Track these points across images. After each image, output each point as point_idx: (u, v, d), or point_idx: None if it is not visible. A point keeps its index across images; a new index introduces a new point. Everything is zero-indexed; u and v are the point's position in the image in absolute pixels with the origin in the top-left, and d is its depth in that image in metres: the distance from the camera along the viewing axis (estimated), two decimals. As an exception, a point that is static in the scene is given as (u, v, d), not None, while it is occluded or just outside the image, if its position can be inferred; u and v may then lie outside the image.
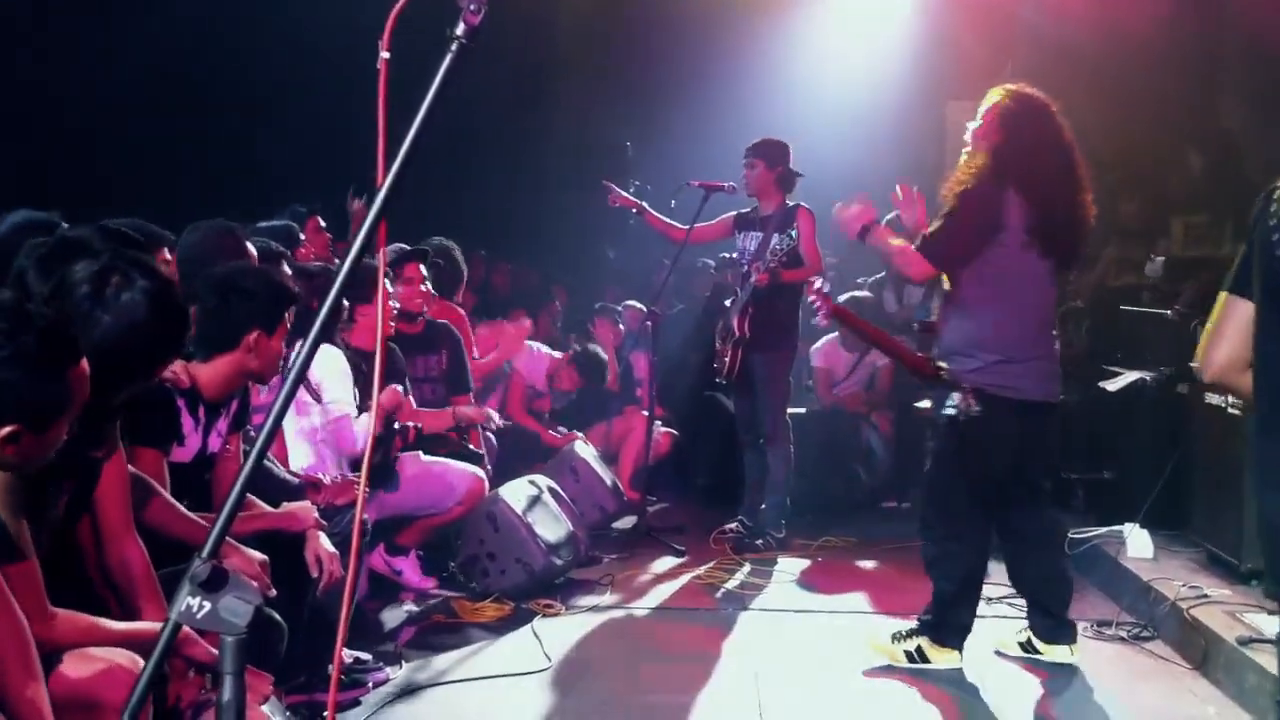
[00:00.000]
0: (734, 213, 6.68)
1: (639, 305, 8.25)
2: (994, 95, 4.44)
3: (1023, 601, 5.13)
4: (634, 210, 6.76)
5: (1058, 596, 4.62)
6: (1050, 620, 4.61)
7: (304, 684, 3.78)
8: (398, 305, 5.43)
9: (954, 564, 4.51)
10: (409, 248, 5.86)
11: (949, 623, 4.56)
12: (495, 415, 5.90)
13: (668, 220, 6.76)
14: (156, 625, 2.60)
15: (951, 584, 4.52)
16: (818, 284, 4.94)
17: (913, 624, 4.64)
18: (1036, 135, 4.31)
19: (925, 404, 4.77)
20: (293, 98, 8.07)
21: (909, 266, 4.45)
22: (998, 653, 4.74)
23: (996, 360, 4.28)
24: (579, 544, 5.69)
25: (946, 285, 4.48)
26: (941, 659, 4.55)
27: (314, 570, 3.56)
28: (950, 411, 4.32)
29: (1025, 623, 4.74)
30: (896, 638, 4.61)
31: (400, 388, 5.31)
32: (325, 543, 3.64)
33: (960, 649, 4.58)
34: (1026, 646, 4.68)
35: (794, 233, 6.22)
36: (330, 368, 4.78)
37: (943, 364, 4.43)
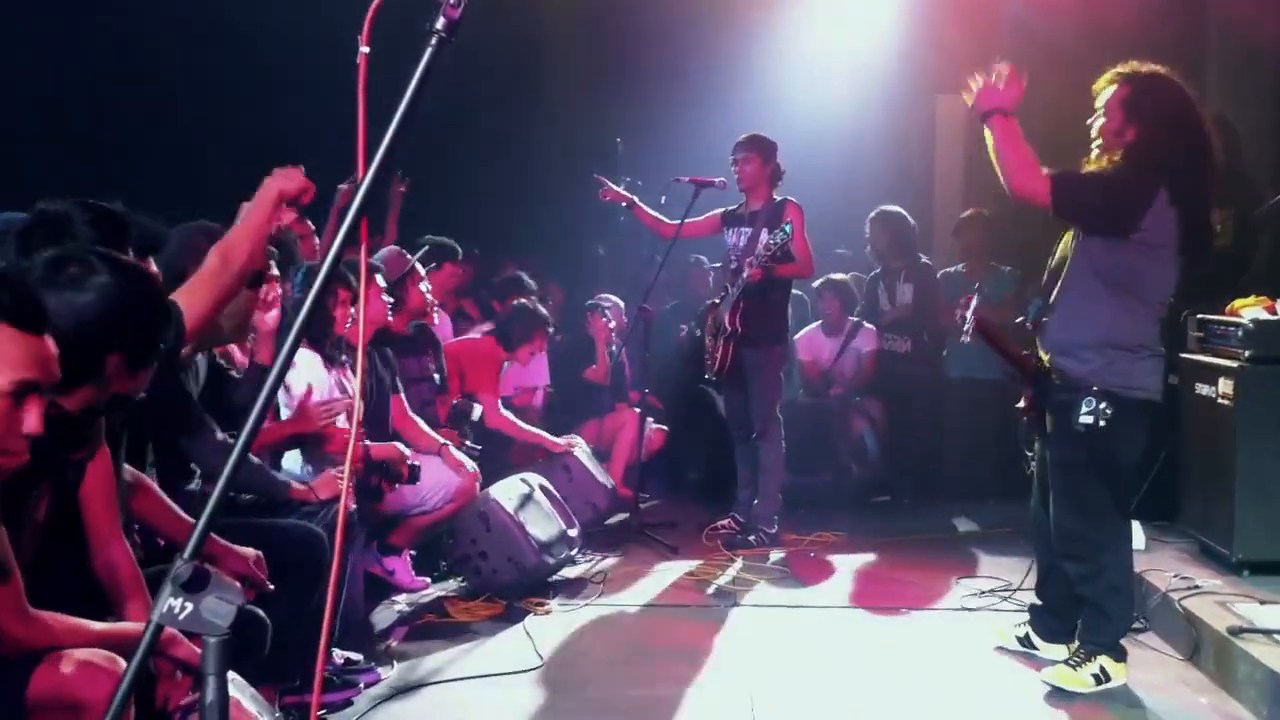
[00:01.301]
0: (721, 209, 6.69)
1: (615, 299, 8.21)
2: (1111, 82, 4.15)
3: (1019, 596, 5.14)
4: (625, 205, 6.79)
5: (1078, 608, 4.49)
6: (1057, 622, 4.56)
7: (298, 686, 3.77)
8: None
9: (1115, 577, 4.25)
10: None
11: (1122, 634, 4.32)
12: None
13: (658, 215, 6.78)
14: (138, 626, 2.60)
15: (1118, 598, 4.27)
16: (973, 304, 4.54)
17: (1076, 646, 4.34)
18: (1174, 128, 4.03)
19: (1021, 404, 4.52)
20: (283, 95, 8.04)
21: (1027, 180, 4.04)
22: (999, 648, 4.71)
23: (1125, 358, 4.09)
24: (571, 542, 5.69)
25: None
26: (1121, 674, 4.24)
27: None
28: (1088, 420, 4.05)
29: (1025, 617, 4.72)
30: (1072, 665, 4.25)
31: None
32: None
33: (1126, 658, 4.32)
34: (1024, 641, 4.65)
35: (788, 227, 6.21)
36: (301, 366, 4.75)
37: (1057, 362, 4.21)
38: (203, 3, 7.75)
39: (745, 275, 6.26)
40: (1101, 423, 4.05)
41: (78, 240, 2.76)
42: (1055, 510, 4.34)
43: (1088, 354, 4.14)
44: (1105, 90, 4.19)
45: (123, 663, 2.38)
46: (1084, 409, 4.07)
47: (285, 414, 4.75)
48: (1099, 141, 4.19)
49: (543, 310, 6.75)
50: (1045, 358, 4.29)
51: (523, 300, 6.78)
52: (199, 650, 1.65)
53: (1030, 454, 4.63)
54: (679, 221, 6.65)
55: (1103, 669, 4.21)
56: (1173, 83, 4.12)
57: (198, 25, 7.86)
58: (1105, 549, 4.26)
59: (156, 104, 7.79)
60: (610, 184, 6.84)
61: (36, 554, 2.49)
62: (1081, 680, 4.21)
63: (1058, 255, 4.40)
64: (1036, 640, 4.62)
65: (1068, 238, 4.34)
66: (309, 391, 4.67)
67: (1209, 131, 4.11)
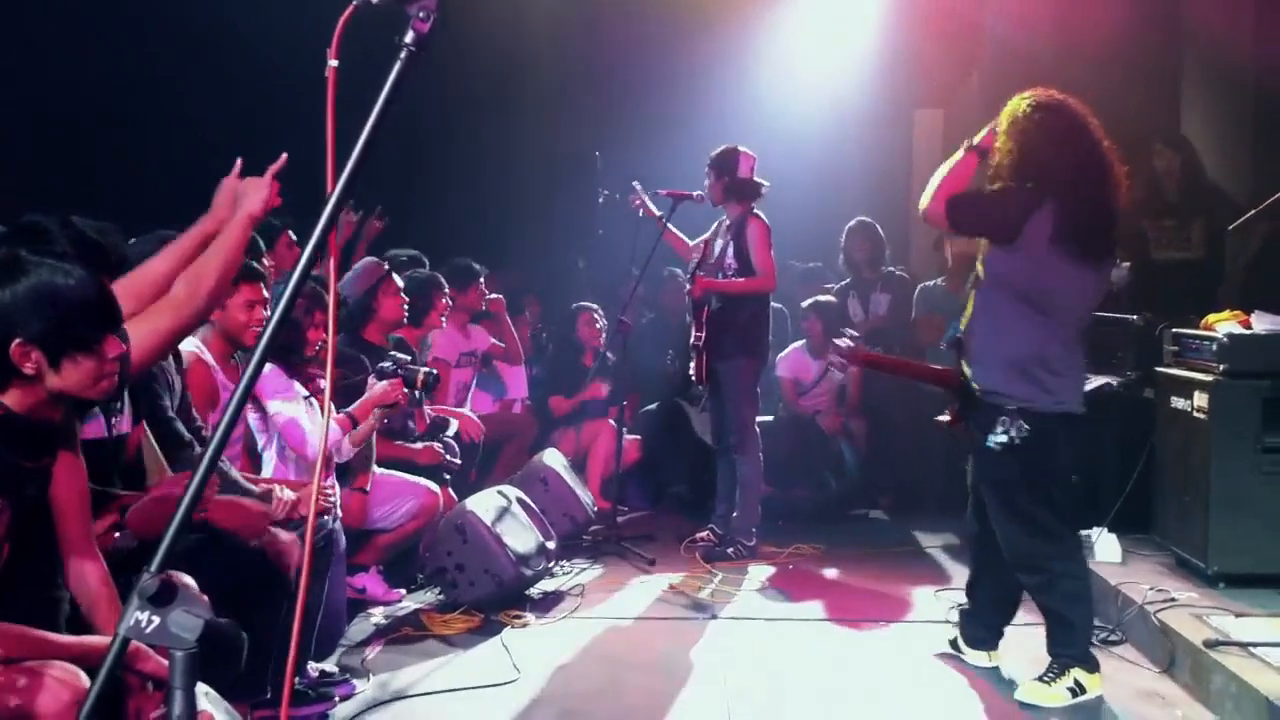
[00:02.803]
0: (718, 223, 6.73)
1: (593, 307, 8.19)
2: (1010, 107, 4.26)
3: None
4: (659, 224, 6.73)
5: (1007, 614, 4.63)
6: (980, 629, 4.64)
7: (271, 700, 3.74)
8: None
9: (1070, 585, 4.28)
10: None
11: (1088, 642, 4.33)
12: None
13: (682, 236, 6.79)
14: (104, 640, 2.58)
15: (1077, 606, 4.29)
16: (843, 343, 4.80)
17: (1049, 661, 4.31)
18: (1059, 146, 4.14)
19: (944, 417, 4.58)
20: (271, 108, 8.02)
21: (935, 203, 4.26)
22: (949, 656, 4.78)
23: (1039, 374, 4.14)
24: (548, 554, 5.67)
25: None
26: (1095, 685, 4.25)
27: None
28: (1002, 439, 4.13)
29: (956, 621, 4.81)
30: (1046, 680, 4.25)
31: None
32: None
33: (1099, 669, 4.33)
34: (953, 645, 4.74)
35: (744, 240, 6.29)
36: (270, 379, 4.74)
37: (974, 380, 4.26)
38: (200, 13, 7.74)
39: (687, 288, 6.37)
40: (1017, 440, 4.12)
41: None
42: (996, 528, 4.38)
43: (1001, 369, 4.21)
44: (1006, 114, 4.26)
45: (82, 675, 2.37)
46: (999, 429, 4.15)
47: (255, 428, 4.73)
48: (994, 162, 4.28)
49: (432, 274, 6.45)
50: (968, 373, 4.34)
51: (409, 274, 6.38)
52: (167, 663, 1.64)
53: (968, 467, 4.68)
54: (686, 238, 6.78)
55: (1077, 682, 4.23)
56: (1061, 104, 4.21)
57: (194, 31, 7.84)
58: (1055, 558, 4.30)
59: (149, 114, 7.77)
60: (644, 196, 6.81)
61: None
62: (1056, 695, 4.23)
63: (971, 279, 4.44)
64: (961, 645, 4.69)
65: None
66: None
67: (1100, 147, 4.18)
